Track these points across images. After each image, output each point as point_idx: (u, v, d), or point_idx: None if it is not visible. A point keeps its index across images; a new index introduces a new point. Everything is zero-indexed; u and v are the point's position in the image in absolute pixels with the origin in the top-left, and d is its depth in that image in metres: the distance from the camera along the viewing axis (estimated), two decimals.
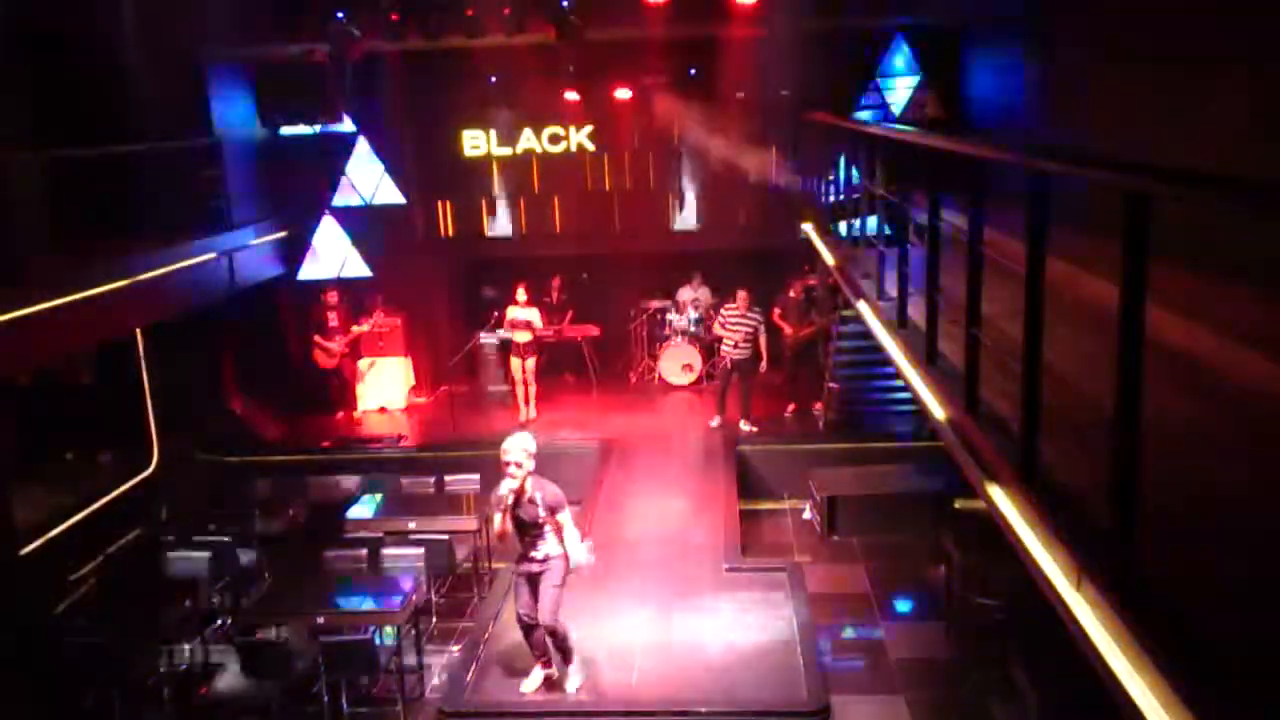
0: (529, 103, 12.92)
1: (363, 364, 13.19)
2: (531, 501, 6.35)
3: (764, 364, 11.64)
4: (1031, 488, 3.31)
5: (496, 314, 12.52)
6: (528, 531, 6.45)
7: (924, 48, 12.57)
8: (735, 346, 11.36)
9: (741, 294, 11.43)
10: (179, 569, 8.26)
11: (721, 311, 11.69)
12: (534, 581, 6.53)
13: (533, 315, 11.99)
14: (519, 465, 6.28)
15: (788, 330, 12.02)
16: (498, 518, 6.42)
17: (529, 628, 6.58)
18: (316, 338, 12.61)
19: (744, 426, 11.50)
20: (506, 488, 6.31)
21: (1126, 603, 2.56)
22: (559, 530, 6.47)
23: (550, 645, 6.63)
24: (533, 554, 6.49)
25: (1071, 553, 2.91)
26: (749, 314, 11.38)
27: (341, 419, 12.81)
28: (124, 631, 7.43)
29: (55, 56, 10.00)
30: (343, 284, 13.11)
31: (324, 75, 11.70)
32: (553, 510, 6.42)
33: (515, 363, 12.06)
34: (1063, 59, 8.83)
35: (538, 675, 6.73)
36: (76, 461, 10.33)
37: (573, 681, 6.69)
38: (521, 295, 11.99)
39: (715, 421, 11.66)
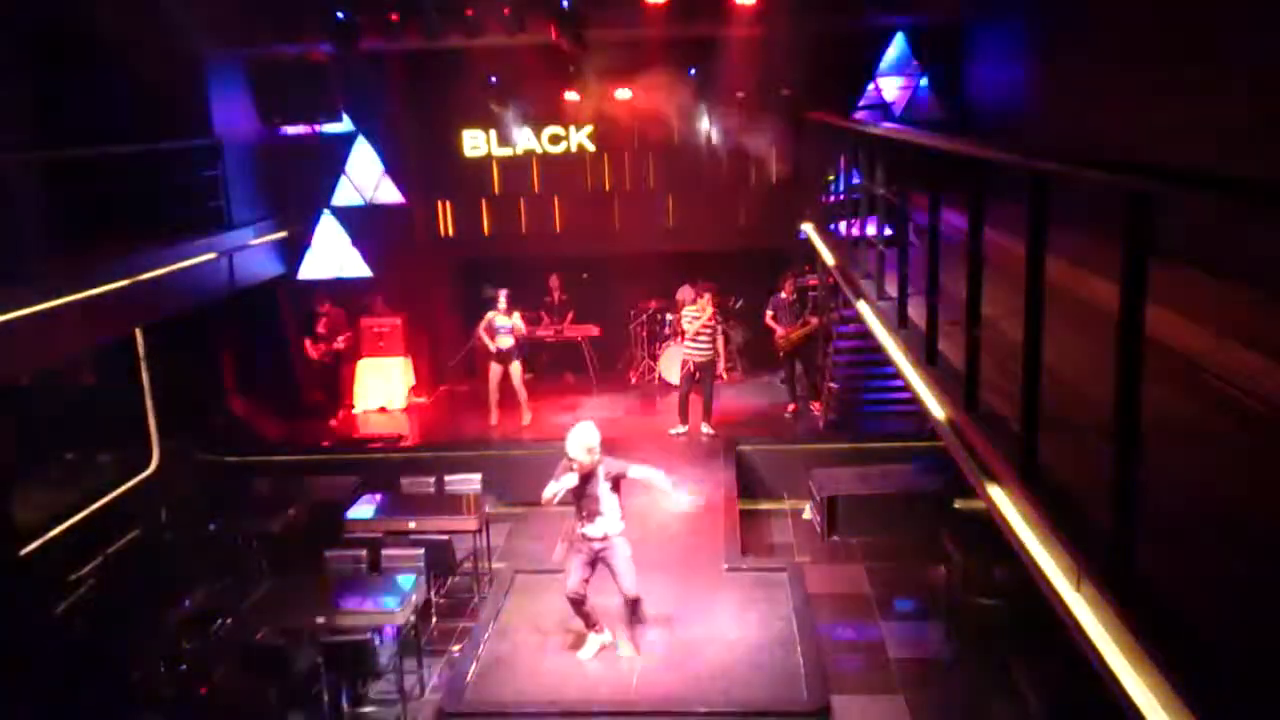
0: (529, 102, 12.91)
1: (362, 365, 13.20)
2: (596, 479, 6.69)
3: (722, 364, 11.48)
4: (1031, 488, 3.31)
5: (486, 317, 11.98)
6: (587, 507, 6.74)
7: (924, 46, 12.57)
8: (698, 348, 11.14)
9: (707, 294, 11.18)
10: (180, 569, 8.27)
11: (684, 311, 11.39)
12: (593, 561, 6.85)
13: (514, 322, 11.60)
14: (578, 463, 6.62)
15: (779, 331, 11.99)
16: (551, 489, 6.66)
17: (578, 602, 6.88)
18: (306, 340, 12.63)
19: (705, 430, 11.36)
20: (567, 481, 6.63)
21: (1126, 603, 2.56)
22: (615, 504, 6.77)
23: (625, 612, 6.99)
24: (592, 532, 6.77)
25: (1071, 553, 2.91)
26: (710, 313, 11.16)
27: (341, 419, 12.80)
28: (124, 631, 7.44)
29: (55, 56, 10.00)
30: (335, 292, 13.09)
31: (324, 75, 11.70)
32: (616, 480, 6.74)
33: (495, 369, 11.72)
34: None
35: (594, 642, 7.02)
36: (76, 461, 10.32)
37: (625, 648, 6.99)
38: (503, 302, 11.57)
39: (679, 429, 11.47)
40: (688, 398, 11.47)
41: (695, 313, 11.17)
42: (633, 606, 6.96)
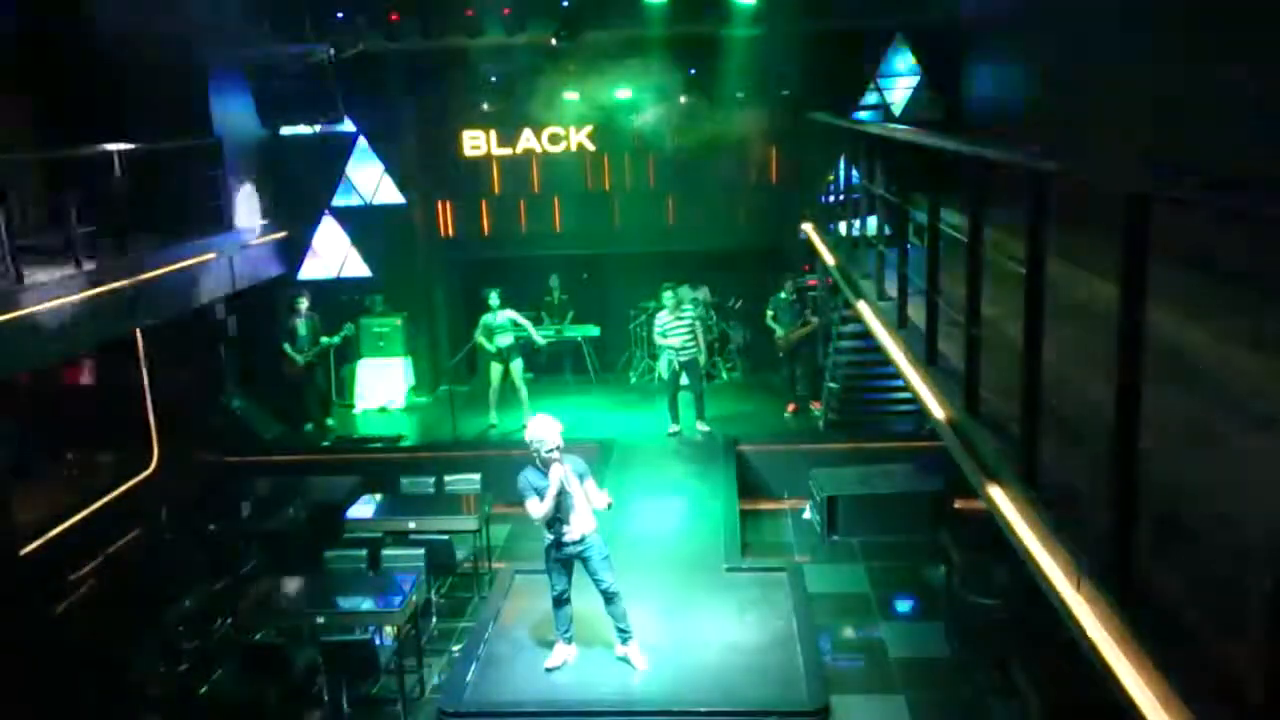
0: (529, 103, 12.90)
1: (361, 364, 13.18)
2: (568, 476, 6.56)
3: (704, 359, 11.39)
4: (1031, 488, 3.31)
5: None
6: (560, 507, 6.55)
7: (924, 47, 12.56)
8: (678, 349, 11.09)
9: (667, 295, 11.16)
10: (180, 569, 8.26)
11: (656, 321, 11.35)
12: (569, 564, 6.75)
13: (512, 318, 11.60)
14: (559, 448, 6.45)
15: (779, 331, 11.98)
16: (544, 507, 6.45)
17: (564, 602, 6.81)
18: (285, 346, 12.11)
19: (701, 428, 11.35)
20: (555, 475, 6.42)
21: (1126, 603, 2.56)
22: (586, 502, 6.65)
23: (615, 614, 6.81)
24: (568, 535, 6.61)
25: (1071, 553, 2.91)
26: (679, 313, 11.13)
27: (341, 419, 12.77)
28: (124, 631, 7.44)
29: (55, 56, 9.99)
30: (335, 292, 13.05)
31: (324, 75, 11.69)
32: (582, 477, 6.63)
33: (496, 368, 11.70)
34: None
35: (561, 652, 6.90)
36: (76, 461, 10.32)
37: (635, 655, 6.85)
38: (495, 300, 11.56)
39: (673, 429, 11.43)
40: (675, 397, 11.46)
41: (668, 318, 11.13)
42: (613, 600, 6.77)
